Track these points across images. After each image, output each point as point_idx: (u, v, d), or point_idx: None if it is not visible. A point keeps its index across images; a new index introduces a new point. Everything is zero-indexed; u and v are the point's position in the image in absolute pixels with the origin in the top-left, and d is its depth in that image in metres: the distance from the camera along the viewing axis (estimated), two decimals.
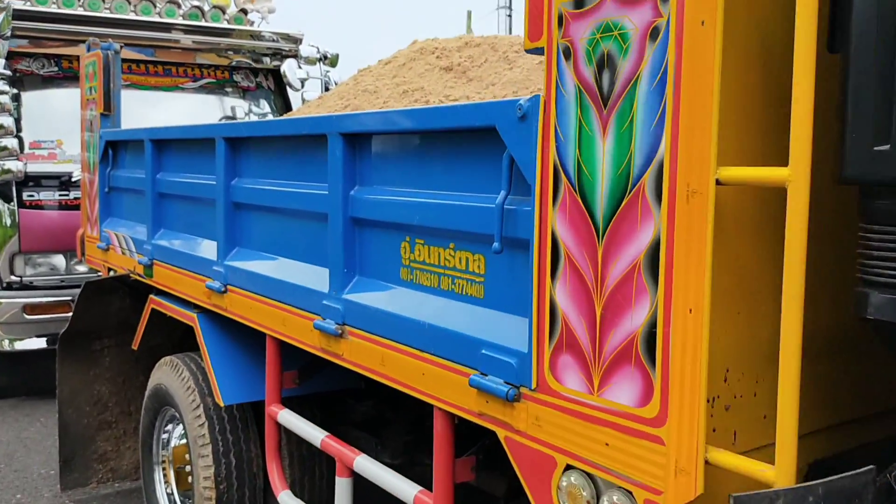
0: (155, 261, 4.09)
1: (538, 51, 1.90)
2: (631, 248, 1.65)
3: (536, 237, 1.86)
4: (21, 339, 6.75)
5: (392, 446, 3.58)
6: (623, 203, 1.66)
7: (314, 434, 2.91)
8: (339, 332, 2.60)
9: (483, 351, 2.05)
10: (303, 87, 7.68)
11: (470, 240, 2.18)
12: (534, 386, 1.90)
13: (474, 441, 2.51)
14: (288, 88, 7.78)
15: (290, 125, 3.04)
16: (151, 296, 4.24)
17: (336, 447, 2.77)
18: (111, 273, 4.79)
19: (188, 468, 3.98)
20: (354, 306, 2.57)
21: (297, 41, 7.85)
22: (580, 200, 1.76)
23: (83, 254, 5.34)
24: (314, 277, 2.79)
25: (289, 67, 7.62)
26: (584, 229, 1.75)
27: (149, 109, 7.38)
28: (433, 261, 2.32)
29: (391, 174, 2.48)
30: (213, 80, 7.80)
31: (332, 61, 7.83)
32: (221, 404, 3.50)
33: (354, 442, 3.65)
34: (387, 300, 2.47)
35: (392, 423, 3.66)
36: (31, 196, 6.77)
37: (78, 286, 5.22)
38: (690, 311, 1.55)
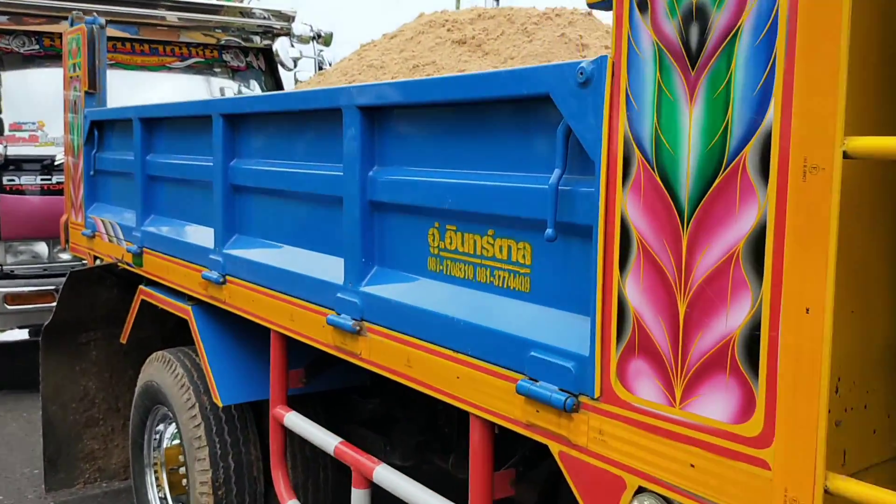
0: (145, 249, 3.80)
1: (603, 5, 1.63)
2: (726, 234, 1.39)
3: (602, 223, 1.60)
4: (2, 331, 6.45)
5: (402, 447, 3.32)
6: (716, 182, 1.40)
7: (326, 440, 2.64)
8: (357, 328, 2.33)
9: (532, 353, 1.79)
10: (295, 66, 7.37)
11: (513, 226, 1.91)
12: (597, 394, 1.64)
13: (509, 450, 2.26)
14: (280, 68, 7.47)
15: (299, 99, 2.76)
16: (141, 286, 3.95)
17: (352, 455, 2.51)
18: (97, 262, 4.49)
19: (182, 470, 3.71)
20: (374, 300, 2.30)
21: (289, 19, 7.53)
22: (658, 179, 1.49)
23: (67, 241, 5.04)
24: (327, 268, 2.52)
25: (281, 46, 7.31)
26: (663, 213, 1.49)
27: (134, 90, 7.05)
28: (468, 249, 2.05)
29: (417, 152, 2.21)
30: (202, 60, 7.48)
31: (325, 40, 7.52)
32: (220, 404, 3.22)
33: (361, 442, 3.40)
34: (412, 293, 2.20)
35: (401, 421, 3.41)
36: (12, 181, 6.45)
37: (61, 275, 4.92)
38: (808, 310, 1.29)
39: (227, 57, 7.60)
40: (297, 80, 7.36)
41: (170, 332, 4.11)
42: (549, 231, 1.72)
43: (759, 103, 1.33)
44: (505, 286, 1.95)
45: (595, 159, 1.61)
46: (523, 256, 1.90)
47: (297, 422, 2.82)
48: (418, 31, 4.00)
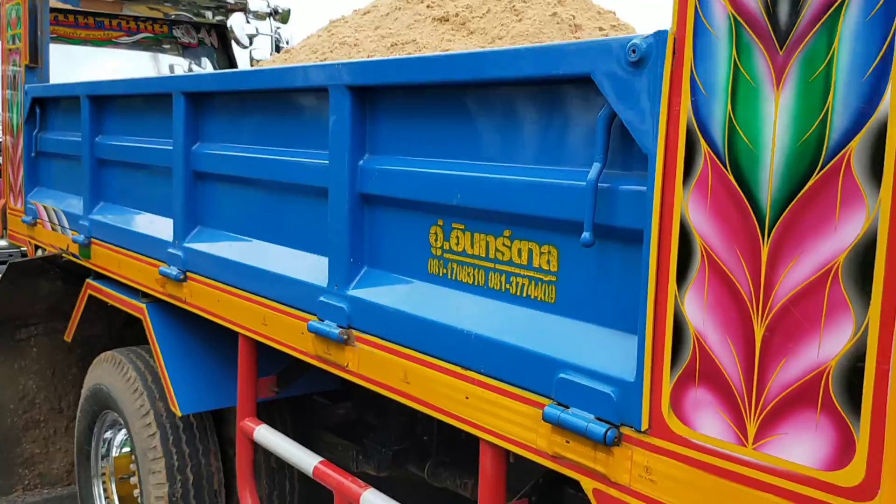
0: (93, 239, 3.46)
1: None
2: (822, 245, 1.17)
3: (656, 227, 1.36)
4: None
5: (377, 456, 3.06)
6: (810, 182, 1.17)
7: (304, 460, 2.37)
8: (344, 337, 2.07)
9: (562, 375, 1.55)
10: (251, 44, 6.99)
11: (537, 226, 1.66)
12: (644, 427, 1.41)
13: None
14: (234, 46, 7.09)
15: (276, 76, 2.46)
16: (89, 280, 3.61)
17: (336, 479, 2.24)
18: (39, 252, 4.12)
19: (133, 479, 3.40)
20: (364, 305, 2.04)
21: None
22: (732, 178, 1.26)
23: (5, 228, 4.64)
24: (308, 267, 2.25)
25: (235, 23, 6.92)
26: (736, 218, 1.26)
27: (76, 66, 6.61)
28: (478, 251, 1.80)
29: (419, 139, 1.94)
30: (151, 35, 7.06)
31: (283, 17, 7.15)
32: (178, 413, 2.93)
33: (331, 449, 3.14)
34: (409, 299, 1.95)
35: (376, 429, 3.15)
36: None
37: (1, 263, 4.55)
38: None
39: (177, 33, 7.19)
40: (252, 59, 6.99)
41: (120, 329, 3.79)
42: (585, 235, 1.48)
43: (870, 89, 1.10)
44: (524, 294, 1.70)
45: (648, 152, 1.37)
46: (548, 262, 1.65)
47: (268, 436, 2.54)
48: (394, 7, 3.71)
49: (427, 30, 3.40)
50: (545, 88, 1.62)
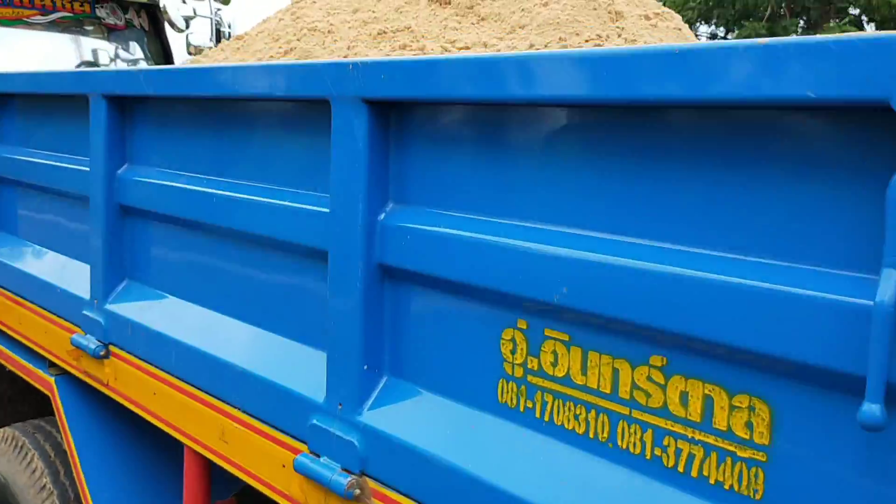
0: None
1: None
2: None
3: None
4: None
5: None
6: None
7: None
8: (355, 493, 1.33)
9: None
10: (188, 27, 6.13)
11: (724, 358, 0.96)
12: None
13: None
14: (168, 29, 6.21)
15: (260, 74, 1.65)
16: None
17: None
18: None
19: None
20: (380, 437, 1.31)
21: None
22: None
23: None
24: (300, 365, 1.50)
25: (170, 3, 6.05)
26: None
27: None
28: (592, 382, 1.09)
29: (504, 189, 1.22)
30: (69, 15, 6.13)
31: None
32: None
33: None
34: (464, 442, 1.23)
35: None
36: None
37: None
38: None
39: (101, 13, 6.27)
40: (189, 45, 6.12)
41: (20, 393, 2.98)
42: (871, 409, 0.78)
43: None
44: (683, 471, 1.00)
45: None
46: (747, 426, 0.95)
47: None
48: None
49: (424, 14, 2.67)
50: (761, 115, 0.91)
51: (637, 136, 1.04)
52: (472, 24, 2.59)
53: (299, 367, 1.49)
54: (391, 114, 1.32)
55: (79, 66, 6.20)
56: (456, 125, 1.26)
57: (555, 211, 1.12)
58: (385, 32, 2.59)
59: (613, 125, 1.06)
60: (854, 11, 19.39)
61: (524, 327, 1.17)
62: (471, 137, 1.24)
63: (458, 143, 1.26)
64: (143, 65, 6.59)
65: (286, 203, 1.53)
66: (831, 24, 18.95)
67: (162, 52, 6.58)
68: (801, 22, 20.02)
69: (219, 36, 6.32)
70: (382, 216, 1.33)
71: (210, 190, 1.72)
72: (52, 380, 2.31)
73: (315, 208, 1.45)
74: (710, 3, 19.40)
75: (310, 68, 1.41)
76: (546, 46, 2.32)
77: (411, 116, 1.31)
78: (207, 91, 1.66)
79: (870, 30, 19.52)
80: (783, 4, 19.10)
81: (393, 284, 1.35)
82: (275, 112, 1.59)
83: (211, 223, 1.72)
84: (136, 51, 6.59)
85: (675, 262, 0.97)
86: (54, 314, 2.25)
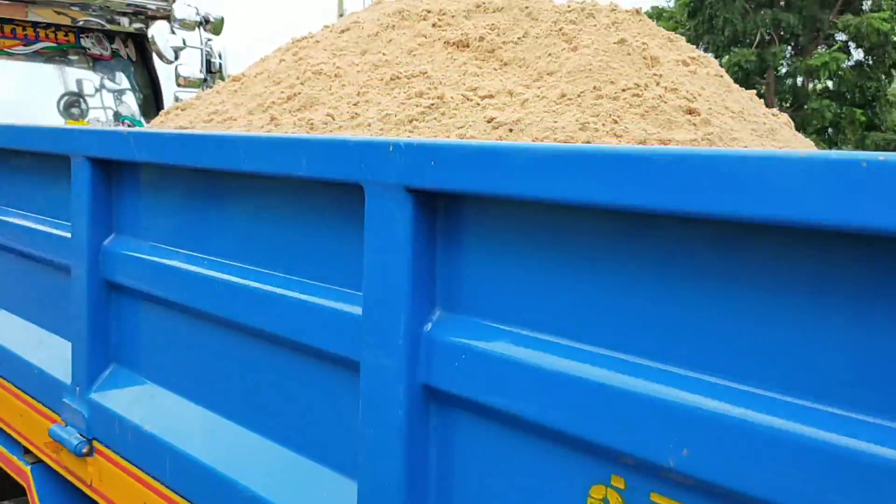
0: None
1: None
2: None
3: None
4: None
5: None
6: None
7: None
8: None
9: None
10: (177, 58, 5.88)
11: None
12: None
13: None
14: (156, 59, 5.97)
15: (277, 148, 1.40)
16: None
17: None
18: None
19: None
20: None
21: None
22: None
23: None
24: (321, 491, 1.26)
25: (158, 32, 5.80)
26: None
27: None
28: None
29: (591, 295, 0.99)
30: (53, 45, 5.88)
31: (215, 27, 6.05)
32: None
33: None
34: None
35: None
36: None
37: None
38: None
39: (86, 42, 6.02)
40: (178, 76, 5.87)
41: None
42: None
43: None
44: None
45: None
46: None
47: None
48: (384, 25, 2.74)
49: (440, 58, 2.44)
50: None
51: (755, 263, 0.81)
52: (494, 69, 2.37)
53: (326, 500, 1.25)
54: (439, 204, 1.10)
55: (63, 96, 5.96)
56: (524, 223, 1.03)
57: (663, 343, 0.89)
58: (398, 77, 2.37)
59: (735, 243, 0.84)
60: (842, 37, 19.44)
61: (621, 486, 0.93)
62: (544, 240, 1.01)
63: (525, 244, 1.02)
64: (129, 95, 6.36)
65: (304, 297, 1.29)
66: (820, 51, 18.99)
67: (150, 83, 6.35)
68: (790, 48, 20.06)
69: (209, 67, 6.08)
70: (429, 326, 1.10)
71: (211, 273, 1.48)
72: (27, 469, 2.05)
73: (343, 307, 1.21)
74: (700, 30, 19.42)
75: (338, 146, 1.17)
76: (580, 96, 2.10)
77: (466, 209, 1.08)
78: (210, 163, 1.42)
79: (857, 56, 19.57)
80: (771, 31, 19.12)
81: (441, 413, 1.11)
82: (292, 189, 1.36)
83: (212, 313, 1.48)
84: (122, 81, 6.36)
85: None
86: (31, 397, 2.00)
